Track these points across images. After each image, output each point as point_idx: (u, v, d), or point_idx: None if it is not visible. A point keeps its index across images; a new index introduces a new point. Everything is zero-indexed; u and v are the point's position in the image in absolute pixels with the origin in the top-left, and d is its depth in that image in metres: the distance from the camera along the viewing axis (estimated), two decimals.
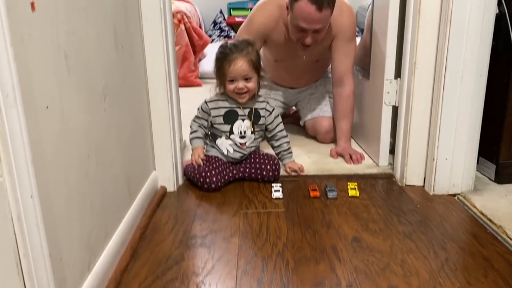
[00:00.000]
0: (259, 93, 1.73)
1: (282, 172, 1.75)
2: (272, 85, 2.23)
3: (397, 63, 1.67)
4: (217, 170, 1.62)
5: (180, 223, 1.40)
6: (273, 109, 1.74)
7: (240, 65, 1.59)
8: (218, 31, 4.66)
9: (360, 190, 1.61)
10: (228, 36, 4.56)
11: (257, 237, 1.30)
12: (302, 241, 1.28)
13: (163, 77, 1.52)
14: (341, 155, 1.92)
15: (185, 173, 1.72)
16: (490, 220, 1.36)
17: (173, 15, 3.07)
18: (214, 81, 1.71)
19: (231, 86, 1.62)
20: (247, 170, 1.70)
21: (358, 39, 2.08)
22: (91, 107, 1.02)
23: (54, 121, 0.84)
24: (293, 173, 1.75)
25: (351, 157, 1.87)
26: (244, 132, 1.68)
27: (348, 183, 1.62)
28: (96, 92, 1.05)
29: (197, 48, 3.63)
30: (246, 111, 1.69)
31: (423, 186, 1.63)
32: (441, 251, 1.22)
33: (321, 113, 2.12)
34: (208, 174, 1.60)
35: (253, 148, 1.73)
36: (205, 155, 1.70)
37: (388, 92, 1.70)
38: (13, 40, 0.68)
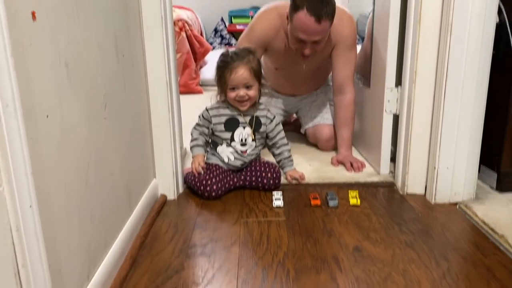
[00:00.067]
0: (260, 101, 1.73)
1: (283, 180, 1.74)
2: (273, 93, 2.23)
3: (398, 71, 1.67)
4: (217, 178, 1.62)
5: (180, 232, 1.39)
6: (274, 117, 1.74)
7: (241, 73, 1.59)
8: (219, 38, 4.68)
9: (361, 198, 1.60)
10: (229, 44, 4.57)
11: (257, 246, 1.30)
12: (303, 250, 1.27)
13: (164, 85, 1.52)
14: (342, 163, 1.92)
15: (185, 181, 1.72)
16: (492, 229, 1.35)
17: (175, 23, 3.09)
18: (215, 88, 1.71)
19: (232, 94, 1.62)
20: (248, 178, 1.69)
21: (358, 47, 2.08)
22: (92, 115, 1.02)
23: (54, 130, 0.84)
24: (294, 181, 1.74)
25: (352, 165, 1.87)
26: (245, 140, 1.68)
27: (349, 192, 1.62)
28: (97, 101, 1.05)
29: (198, 56, 3.64)
30: (247, 118, 1.69)
31: (425, 195, 1.63)
32: (443, 261, 1.21)
33: (322, 121, 2.12)
34: (209, 182, 1.60)
35: (253, 156, 1.72)
36: (206, 163, 1.70)
37: (388, 100, 1.70)
38: (13, 49, 0.68)
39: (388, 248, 1.28)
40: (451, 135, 1.50)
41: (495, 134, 1.60)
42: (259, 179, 1.67)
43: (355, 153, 2.04)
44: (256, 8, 4.70)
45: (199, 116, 1.72)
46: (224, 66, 1.62)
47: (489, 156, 1.64)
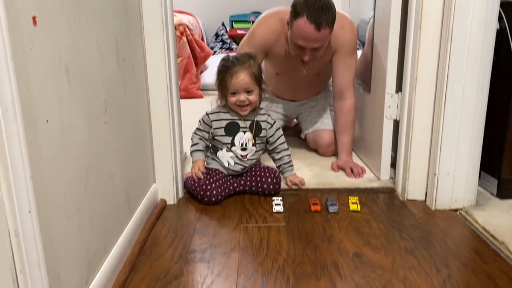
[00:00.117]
0: (260, 106, 1.73)
1: (283, 185, 1.74)
2: (273, 98, 2.23)
3: (398, 77, 1.67)
4: (217, 183, 1.62)
5: (179, 237, 1.38)
6: (275, 122, 1.74)
7: (242, 78, 1.59)
8: (220, 43, 4.69)
9: (361, 204, 1.59)
10: (230, 49, 4.58)
11: (257, 252, 1.29)
12: (303, 256, 1.27)
13: (165, 90, 1.52)
14: (342, 169, 1.91)
15: (185, 185, 1.72)
16: (492, 236, 1.35)
17: (176, 28, 3.10)
18: (216, 93, 1.71)
19: (232, 99, 1.62)
20: (248, 183, 1.69)
21: (359, 52, 2.08)
22: (92, 120, 1.02)
23: (54, 135, 0.83)
24: (294, 187, 1.74)
25: (352, 170, 1.86)
26: (246, 144, 1.68)
27: (350, 197, 1.61)
28: (97, 105, 1.05)
29: (199, 60, 3.64)
30: (248, 123, 1.69)
31: (425, 201, 1.62)
32: (443, 268, 1.21)
33: (322, 126, 2.12)
34: (208, 187, 1.59)
35: (254, 161, 1.72)
36: (206, 167, 1.70)
37: (389, 106, 1.70)
38: (14, 53, 0.68)
39: (388, 254, 1.27)
40: (451, 141, 1.50)
41: (495, 140, 1.60)
42: (259, 184, 1.67)
43: (355, 159, 2.03)
44: (257, 13, 4.71)
45: (199, 121, 1.72)
46: (225, 70, 1.62)
47: (490, 162, 1.64)
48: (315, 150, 2.15)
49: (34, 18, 0.76)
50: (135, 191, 1.37)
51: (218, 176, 1.65)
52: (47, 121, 0.81)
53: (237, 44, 4.55)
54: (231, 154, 1.68)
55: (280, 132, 1.76)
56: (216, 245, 1.34)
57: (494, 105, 1.52)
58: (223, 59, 1.66)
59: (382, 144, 1.77)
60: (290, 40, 1.80)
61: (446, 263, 1.23)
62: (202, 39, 4.20)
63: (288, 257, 1.26)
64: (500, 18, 1.47)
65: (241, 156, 1.68)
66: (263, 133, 1.71)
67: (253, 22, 4.49)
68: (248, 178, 1.70)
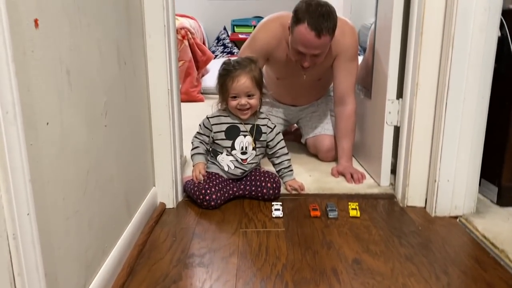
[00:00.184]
0: (261, 110, 1.73)
1: (283, 190, 1.74)
2: (274, 102, 2.23)
3: (399, 83, 1.67)
4: (217, 188, 1.61)
5: (178, 241, 1.38)
6: (275, 126, 1.74)
7: (243, 81, 1.59)
8: (222, 47, 4.70)
9: (361, 210, 1.59)
10: (231, 53, 4.59)
11: (256, 257, 1.29)
12: (302, 262, 1.26)
13: (165, 94, 1.52)
14: (342, 174, 1.91)
15: (185, 189, 1.71)
16: (492, 244, 1.34)
17: (177, 31, 3.10)
18: (217, 97, 1.71)
19: (233, 103, 1.62)
20: (247, 187, 1.69)
21: (360, 58, 2.08)
22: (92, 123, 1.01)
23: (54, 137, 0.83)
24: (293, 192, 1.74)
25: (352, 176, 1.86)
26: (246, 148, 1.68)
27: (349, 203, 1.61)
28: (97, 108, 1.05)
29: (200, 64, 3.65)
30: (248, 127, 1.68)
31: (425, 208, 1.62)
32: (443, 275, 1.20)
33: (322, 131, 2.12)
34: (208, 191, 1.59)
35: (254, 165, 1.72)
36: (206, 171, 1.70)
37: (390, 112, 1.70)
38: (15, 56, 0.68)
39: (387, 261, 1.27)
40: (452, 147, 1.49)
41: (496, 147, 1.60)
42: (259, 189, 1.67)
43: (356, 164, 2.03)
44: (258, 18, 4.73)
45: (200, 125, 1.72)
46: (226, 74, 1.62)
47: (490, 170, 1.63)
48: (315, 155, 2.15)
49: (36, 21, 0.76)
50: (135, 194, 1.37)
51: (217, 181, 1.64)
52: (47, 123, 0.81)
53: (239, 49, 4.56)
54: (231, 158, 1.68)
55: (280, 136, 1.76)
56: (215, 249, 1.33)
57: (494, 112, 1.52)
58: (224, 63, 1.67)
59: (383, 150, 1.76)
60: (291, 46, 1.81)
61: (446, 270, 1.22)
62: (204, 43, 4.20)
63: (287, 262, 1.26)
64: (501, 26, 1.48)
65: (241, 160, 1.68)
66: (263, 137, 1.71)
67: (254, 26, 4.50)
68: (248, 183, 1.69)
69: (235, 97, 1.62)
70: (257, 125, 1.70)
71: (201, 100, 3.59)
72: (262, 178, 1.68)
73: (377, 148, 1.82)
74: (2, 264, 0.68)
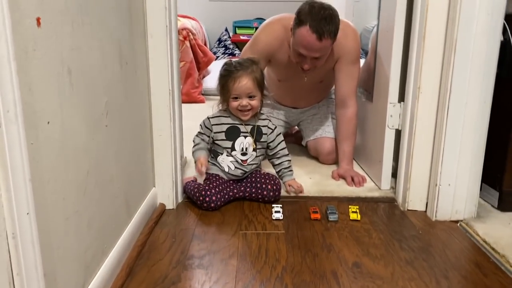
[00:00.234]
0: (261, 111, 1.72)
1: (283, 192, 1.73)
2: (275, 104, 2.22)
3: (401, 86, 1.67)
4: (217, 189, 1.61)
5: (178, 242, 1.37)
6: (275, 127, 1.74)
7: (244, 82, 1.59)
8: (223, 48, 4.70)
9: (362, 213, 1.59)
10: (232, 54, 4.59)
11: (255, 259, 1.28)
12: (302, 264, 1.26)
13: (166, 95, 1.52)
14: (343, 177, 1.91)
15: (185, 190, 1.71)
16: (493, 249, 1.34)
17: (179, 32, 3.10)
18: (217, 98, 1.71)
19: (234, 103, 1.62)
20: (248, 189, 1.68)
21: (362, 61, 2.08)
22: (93, 123, 1.01)
23: (54, 137, 0.83)
24: (292, 193, 1.73)
25: (353, 179, 1.86)
26: (246, 149, 1.67)
27: (350, 206, 1.61)
28: (98, 108, 1.04)
29: (201, 65, 3.65)
30: (249, 128, 1.68)
31: (425, 212, 1.61)
32: (443, 280, 1.19)
33: (323, 134, 2.11)
34: (208, 193, 1.59)
35: (254, 166, 1.71)
36: (206, 172, 1.69)
37: (391, 116, 1.70)
38: (16, 54, 0.68)
39: (388, 265, 1.26)
40: (453, 152, 1.49)
41: (497, 152, 1.60)
42: (259, 191, 1.66)
43: (356, 168, 2.03)
44: (260, 19, 4.73)
45: (201, 125, 1.71)
46: (227, 75, 1.62)
47: (491, 175, 1.63)
48: (316, 158, 2.15)
49: (38, 19, 0.76)
50: (135, 195, 1.36)
51: (217, 182, 1.64)
52: (48, 122, 0.80)
53: (240, 50, 4.56)
54: (231, 158, 1.68)
55: (281, 137, 1.76)
56: (214, 251, 1.33)
57: (496, 117, 1.52)
58: (225, 64, 1.66)
59: (383, 153, 1.76)
60: (292, 47, 1.81)
61: (446, 275, 1.22)
62: (205, 44, 4.20)
63: (287, 265, 1.25)
64: (504, 30, 1.47)
65: (241, 161, 1.68)
66: (263, 138, 1.70)
67: (256, 28, 4.50)
68: (248, 185, 1.69)
69: (236, 98, 1.62)
70: (258, 126, 1.69)
71: (202, 101, 3.58)
72: (263, 180, 1.68)
73: (378, 151, 1.82)
74: (1, 263, 0.68)
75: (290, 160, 1.77)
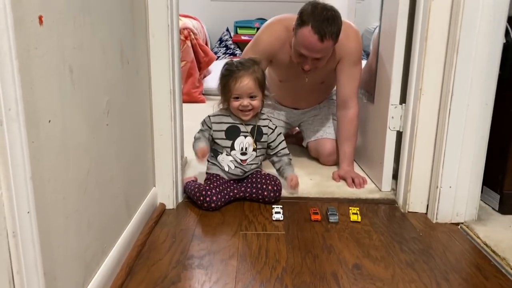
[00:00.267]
0: (262, 111, 1.72)
1: (283, 193, 1.72)
2: (276, 105, 2.22)
3: (403, 88, 1.67)
4: (217, 189, 1.60)
5: (178, 242, 1.37)
6: (276, 127, 1.74)
7: (246, 82, 1.59)
8: (224, 48, 4.69)
9: (362, 215, 1.58)
10: (233, 54, 4.58)
11: (256, 260, 1.28)
12: (302, 266, 1.25)
13: (168, 94, 1.51)
14: (343, 178, 1.90)
15: (185, 190, 1.70)
16: (493, 252, 1.33)
17: (180, 31, 3.09)
18: (218, 98, 1.70)
19: (235, 103, 1.62)
20: (248, 189, 1.68)
21: (363, 62, 2.08)
22: (94, 122, 1.01)
23: (55, 135, 0.83)
24: (290, 190, 1.71)
25: (353, 180, 1.85)
26: (246, 149, 1.67)
27: (350, 208, 1.60)
28: (99, 107, 1.04)
29: (202, 65, 3.64)
30: (249, 127, 1.68)
31: (426, 214, 1.61)
32: (444, 282, 1.19)
33: (324, 135, 2.11)
34: (208, 193, 1.58)
35: (253, 166, 1.71)
36: (206, 173, 1.69)
37: (392, 117, 1.69)
38: (18, 52, 0.67)
39: (388, 267, 1.26)
40: (455, 154, 1.49)
41: (498, 155, 1.59)
42: (260, 191, 1.66)
43: (357, 169, 2.02)
44: (261, 19, 4.72)
45: (201, 123, 1.71)
46: (229, 75, 1.61)
47: (492, 177, 1.62)
48: (316, 159, 2.14)
49: (40, 18, 0.76)
50: (135, 194, 1.36)
51: (218, 182, 1.64)
52: (49, 121, 0.80)
53: (241, 50, 4.56)
54: (230, 158, 1.67)
55: (282, 137, 1.76)
56: (214, 251, 1.32)
57: (498, 119, 1.52)
58: (227, 64, 1.66)
59: (384, 155, 1.76)
60: (293, 47, 1.81)
61: (447, 277, 1.22)
62: (206, 44, 4.20)
63: (287, 266, 1.25)
64: (506, 33, 1.47)
65: (241, 160, 1.67)
66: (264, 138, 1.70)
67: (257, 28, 4.51)
68: (249, 185, 1.69)
69: (237, 98, 1.61)
70: (258, 126, 1.69)
71: (203, 101, 3.58)
72: (263, 181, 1.67)
73: (379, 153, 1.81)
74: (1, 262, 0.67)
75: (291, 159, 1.77)
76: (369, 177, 1.94)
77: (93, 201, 1.01)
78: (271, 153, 1.76)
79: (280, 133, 1.76)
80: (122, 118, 1.20)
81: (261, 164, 1.77)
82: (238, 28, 4.79)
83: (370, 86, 1.95)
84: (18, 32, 0.68)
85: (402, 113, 1.67)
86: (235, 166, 1.68)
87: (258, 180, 1.68)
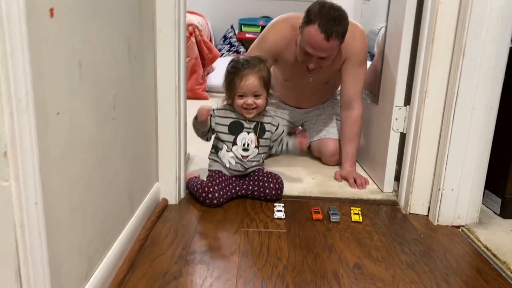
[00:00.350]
0: (266, 109, 1.72)
1: (285, 192, 1.73)
2: (280, 104, 2.22)
3: (407, 90, 1.67)
4: (220, 186, 1.61)
5: (180, 238, 1.38)
6: (278, 124, 1.75)
7: (251, 81, 1.59)
8: (228, 45, 4.70)
9: (363, 215, 1.59)
10: (237, 51, 4.59)
11: (257, 257, 1.28)
12: (303, 264, 1.26)
13: (173, 90, 1.52)
14: (346, 179, 1.91)
15: (188, 186, 1.71)
16: (494, 255, 1.34)
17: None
18: (221, 95, 1.71)
19: (240, 101, 1.62)
20: (250, 187, 1.68)
21: (368, 63, 2.08)
22: (100, 115, 1.01)
23: (63, 128, 0.83)
24: (303, 145, 1.72)
25: (355, 181, 1.86)
26: (248, 145, 1.67)
27: (352, 208, 1.61)
28: (106, 101, 1.04)
29: (206, 62, 3.64)
30: (252, 124, 1.68)
31: (427, 216, 1.61)
32: (444, 284, 1.20)
33: (327, 135, 2.11)
34: (211, 189, 1.59)
35: (254, 163, 1.71)
36: (208, 170, 1.69)
37: (396, 119, 1.69)
38: (29, 45, 0.68)
39: (389, 267, 1.26)
40: (458, 157, 1.49)
41: (501, 159, 1.60)
42: (262, 189, 1.66)
43: (359, 170, 2.03)
44: (266, 17, 4.73)
45: None
46: (234, 72, 1.61)
47: (494, 181, 1.63)
48: (319, 159, 2.15)
49: (51, 10, 0.76)
50: (138, 189, 1.36)
51: (220, 179, 1.64)
52: (58, 113, 0.80)
53: (245, 48, 4.57)
54: (231, 154, 1.67)
55: (285, 133, 1.76)
56: (216, 247, 1.33)
57: (501, 123, 1.52)
58: (233, 60, 1.66)
59: (387, 156, 1.76)
60: (299, 45, 1.81)
61: (447, 279, 1.22)
62: (210, 41, 4.20)
63: (288, 264, 1.26)
64: None
65: (242, 156, 1.68)
66: (267, 135, 1.70)
67: (262, 26, 4.51)
68: (251, 183, 1.69)
69: (242, 96, 1.61)
70: (262, 122, 1.69)
71: (206, 98, 3.58)
72: (265, 179, 1.68)
73: (382, 154, 1.81)
74: (8, 252, 0.68)
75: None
76: (371, 178, 1.95)
77: (98, 194, 1.02)
78: (273, 144, 1.76)
79: (283, 130, 1.76)
80: (128, 113, 1.21)
81: (263, 162, 1.78)
82: (242, 26, 4.80)
83: (374, 87, 1.95)
84: (30, 24, 0.68)
85: (406, 115, 1.68)
86: (236, 162, 1.68)
87: (260, 178, 1.68)
